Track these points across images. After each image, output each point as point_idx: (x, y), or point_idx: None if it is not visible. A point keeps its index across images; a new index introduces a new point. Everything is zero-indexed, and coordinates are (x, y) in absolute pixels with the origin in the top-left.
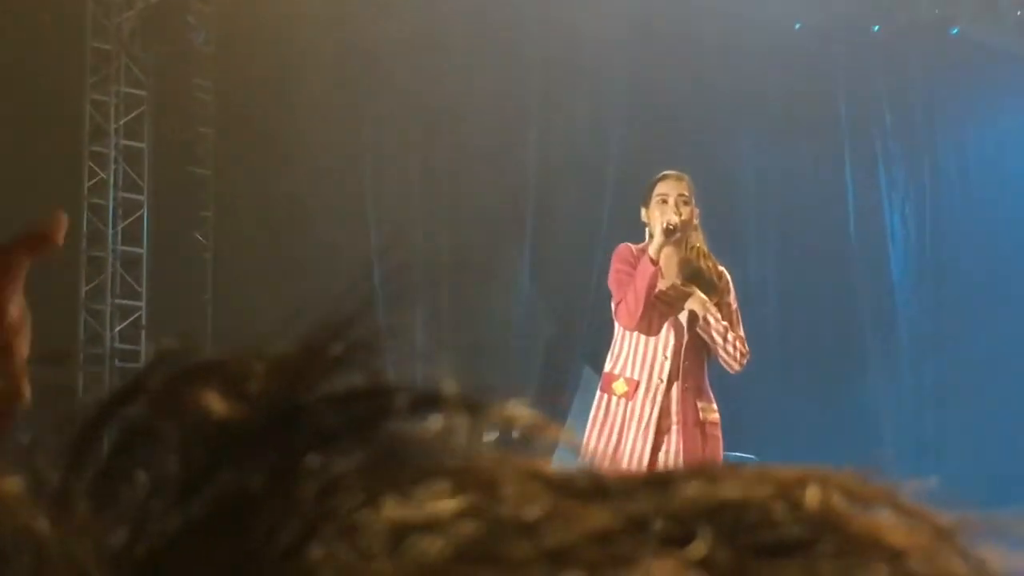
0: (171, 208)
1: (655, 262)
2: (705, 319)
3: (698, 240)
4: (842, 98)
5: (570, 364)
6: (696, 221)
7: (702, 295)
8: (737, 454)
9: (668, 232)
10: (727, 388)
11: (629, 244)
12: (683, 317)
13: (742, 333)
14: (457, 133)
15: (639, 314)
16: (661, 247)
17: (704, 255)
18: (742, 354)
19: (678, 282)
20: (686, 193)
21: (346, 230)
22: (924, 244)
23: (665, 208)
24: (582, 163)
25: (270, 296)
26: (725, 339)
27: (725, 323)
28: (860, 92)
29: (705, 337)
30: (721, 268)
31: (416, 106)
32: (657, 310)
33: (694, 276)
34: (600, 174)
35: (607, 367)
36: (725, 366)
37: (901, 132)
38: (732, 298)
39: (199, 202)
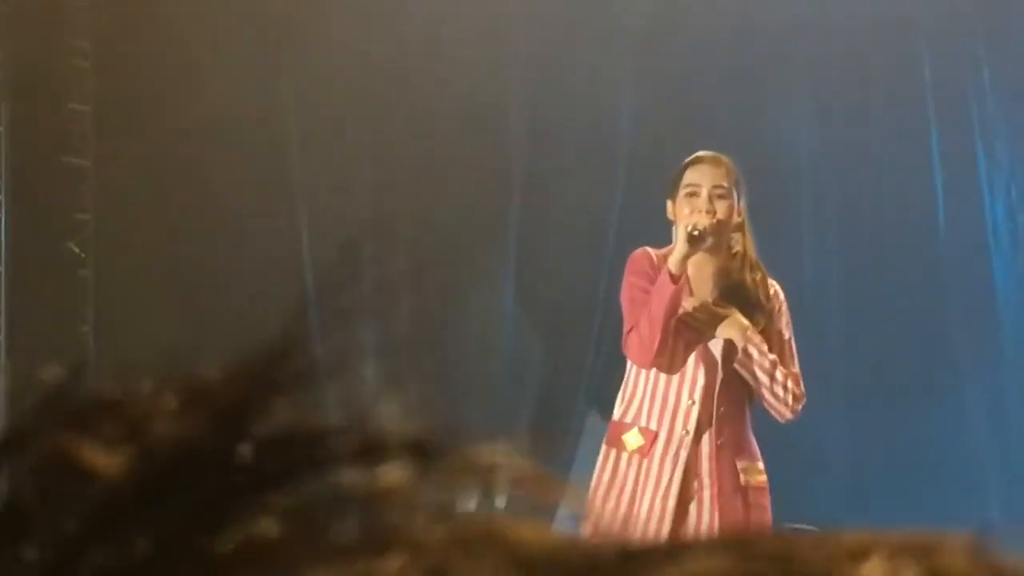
0: (37, 210)
1: (676, 278)
2: (746, 351)
3: (743, 244)
4: (925, 50)
5: (570, 408)
6: (740, 219)
7: (742, 319)
8: (793, 525)
9: (693, 239)
10: (777, 437)
11: (648, 250)
12: (717, 348)
13: (796, 369)
14: (418, 105)
15: (655, 346)
16: (685, 258)
17: (751, 265)
18: (795, 397)
19: (710, 301)
20: (724, 184)
21: (270, 234)
22: None
23: (695, 203)
24: (584, 141)
25: (168, 321)
26: (773, 377)
27: (773, 356)
28: (949, 42)
29: (746, 375)
30: (772, 283)
31: (362, 68)
32: (682, 339)
33: (734, 293)
34: (608, 155)
35: (617, 414)
36: (772, 412)
37: (1003, 93)
38: (785, 323)
39: (74, 202)
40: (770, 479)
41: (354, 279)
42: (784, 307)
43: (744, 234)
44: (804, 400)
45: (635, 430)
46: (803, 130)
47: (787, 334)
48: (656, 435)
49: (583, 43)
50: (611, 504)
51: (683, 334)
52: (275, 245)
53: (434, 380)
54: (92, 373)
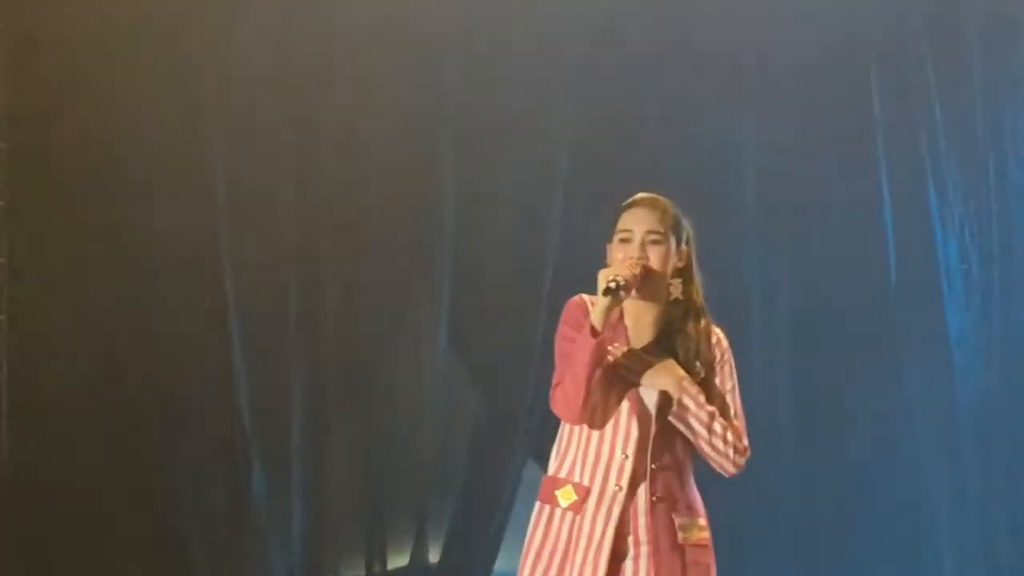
0: None
1: (596, 332)
2: (680, 402)
3: (687, 291)
4: (875, 85)
5: (507, 459)
6: (681, 264)
7: (677, 369)
8: None
9: (609, 291)
10: (722, 488)
11: (585, 297)
12: (651, 400)
13: (740, 422)
14: (348, 128)
15: (579, 403)
16: (606, 310)
17: (694, 312)
18: (736, 450)
19: (643, 349)
20: (660, 229)
21: (192, 277)
22: (992, 285)
23: (627, 250)
24: (521, 179)
25: (85, 373)
26: (711, 430)
27: (712, 408)
28: (899, 77)
29: (682, 427)
30: (716, 331)
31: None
32: (613, 391)
33: (671, 341)
34: (547, 195)
35: (551, 468)
36: (715, 466)
37: (954, 128)
38: (728, 373)
39: None
40: (719, 534)
41: (281, 325)
42: (728, 356)
43: (688, 280)
44: (748, 454)
45: (569, 486)
46: (750, 168)
47: (730, 384)
48: (588, 491)
49: (520, 73)
50: (544, 562)
51: (614, 385)
52: (196, 282)
53: (364, 428)
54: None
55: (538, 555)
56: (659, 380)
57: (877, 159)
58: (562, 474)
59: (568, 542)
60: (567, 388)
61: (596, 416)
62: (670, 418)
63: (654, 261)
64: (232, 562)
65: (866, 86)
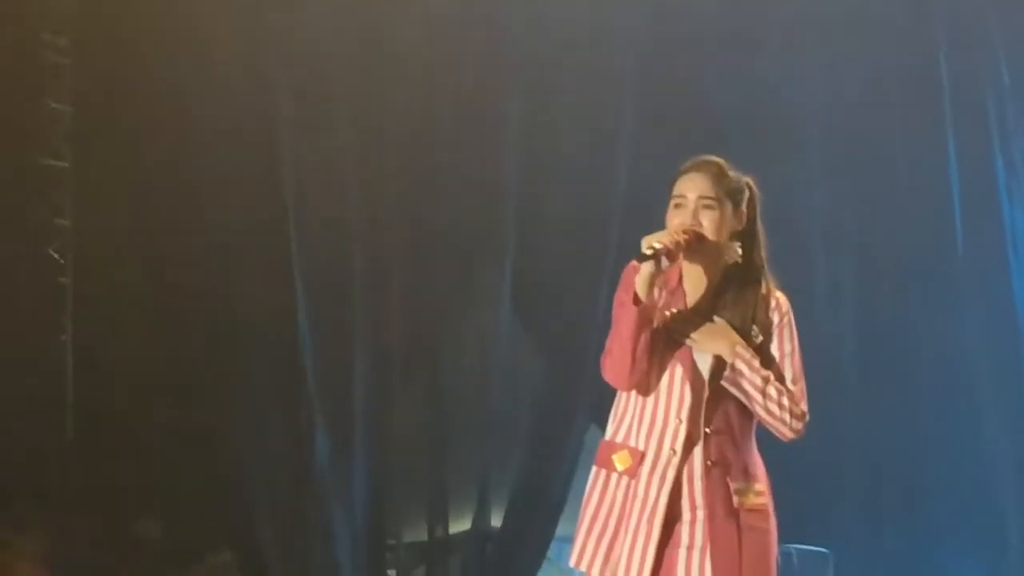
0: (14, 214)
1: (638, 299)
2: (734, 367)
3: (747, 253)
4: (943, 52)
5: (569, 425)
6: (741, 227)
7: (732, 333)
8: (802, 547)
9: (645, 258)
10: (785, 457)
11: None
12: (705, 365)
13: (798, 386)
14: (409, 116)
15: (627, 369)
16: (650, 276)
17: (751, 275)
18: (794, 415)
19: (699, 313)
20: (712, 194)
21: (256, 240)
22: None
23: (682, 215)
24: (583, 149)
25: (148, 330)
26: (765, 394)
27: (767, 372)
28: (967, 44)
29: (735, 392)
30: (778, 295)
31: (355, 70)
32: (663, 358)
33: (728, 305)
34: (609, 163)
35: (608, 433)
36: (772, 431)
37: (1022, 91)
38: (788, 337)
39: (53, 206)
40: (782, 499)
41: (346, 288)
42: (788, 319)
43: (749, 242)
44: (806, 419)
45: (625, 451)
46: (816, 137)
47: (789, 347)
48: (643, 455)
49: (582, 48)
50: (600, 525)
51: (666, 350)
52: (264, 246)
53: (427, 393)
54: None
55: (594, 518)
56: (712, 344)
57: (944, 126)
58: (618, 439)
59: (623, 505)
60: (614, 355)
61: (645, 382)
62: (723, 383)
63: (707, 226)
64: (294, 524)
65: (934, 52)
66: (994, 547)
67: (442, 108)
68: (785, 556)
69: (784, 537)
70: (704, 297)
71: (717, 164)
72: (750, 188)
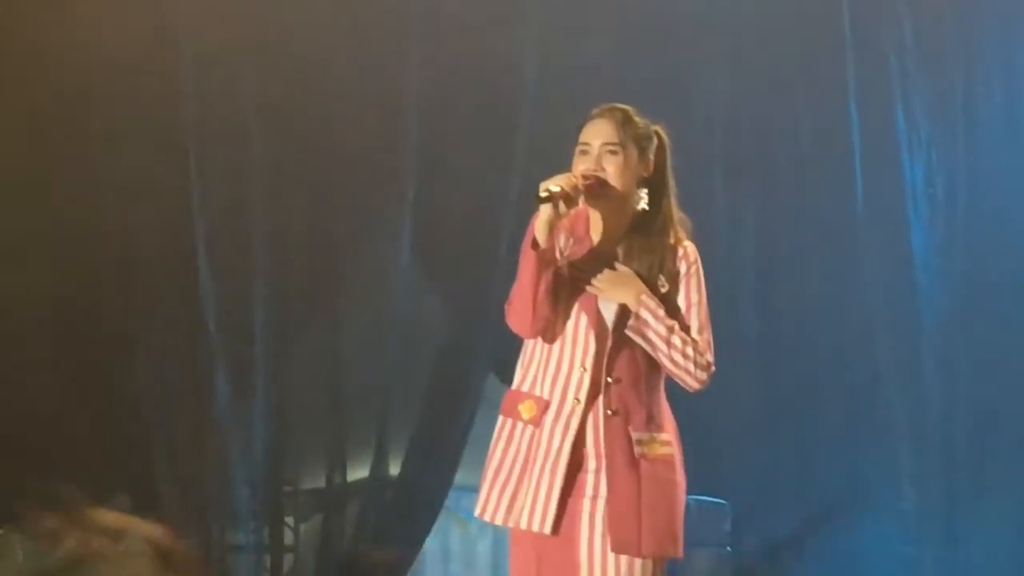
0: None
1: (536, 244)
2: (638, 316)
3: (656, 201)
4: (845, 3)
5: (470, 373)
6: (647, 174)
7: (637, 282)
8: (701, 498)
9: (541, 200)
10: (692, 408)
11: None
12: (609, 313)
13: (704, 336)
14: (311, 58)
15: (528, 316)
16: (548, 222)
17: (659, 223)
18: (697, 365)
19: (602, 261)
20: (615, 140)
21: (158, 181)
22: (956, 209)
23: (585, 161)
24: (484, 92)
25: (47, 277)
26: (670, 344)
27: (671, 322)
28: None
29: (639, 341)
30: (685, 244)
31: (256, 25)
32: (566, 305)
33: (633, 252)
34: (513, 101)
35: (515, 382)
36: (678, 381)
37: (925, 50)
38: (695, 287)
39: None
40: (691, 445)
41: (247, 232)
42: (695, 269)
43: (657, 190)
44: (711, 369)
45: (529, 400)
46: (717, 86)
47: (695, 298)
48: (548, 404)
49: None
50: (504, 474)
51: (570, 298)
52: (163, 188)
53: (326, 338)
54: None
55: (498, 468)
56: (617, 292)
57: (846, 79)
58: (524, 388)
59: (527, 455)
60: (516, 301)
61: (550, 330)
62: (627, 331)
63: (611, 172)
64: (193, 469)
65: (837, 4)
66: (886, 501)
67: (344, 56)
68: (685, 508)
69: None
70: (608, 244)
71: (623, 111)
72: (659, 136)
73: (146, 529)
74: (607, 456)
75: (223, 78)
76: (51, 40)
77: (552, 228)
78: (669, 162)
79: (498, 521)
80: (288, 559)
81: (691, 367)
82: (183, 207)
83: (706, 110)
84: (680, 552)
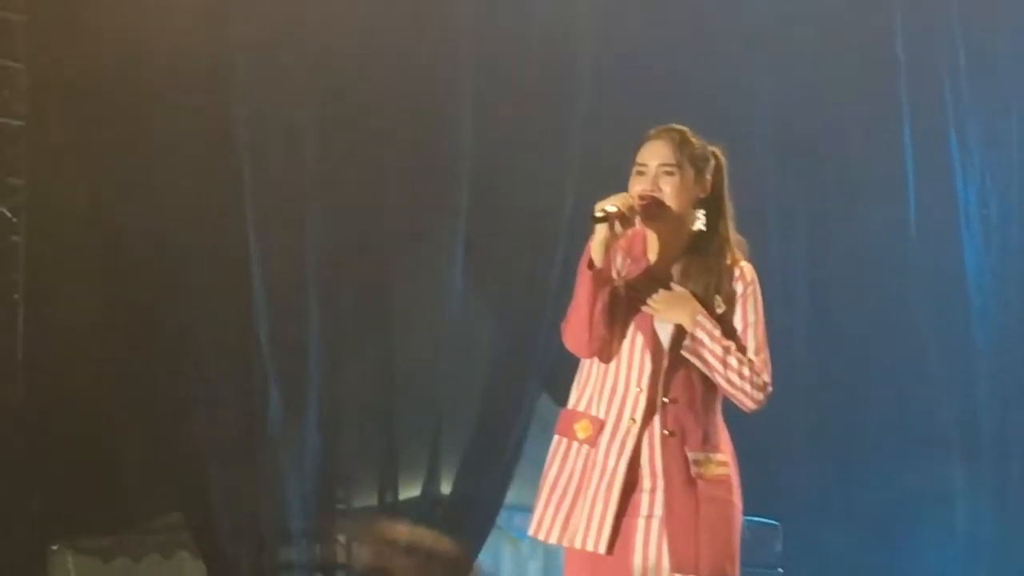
0: None
1: (592, 264)
2: (694, 336)
3: (712, 221)
4: (899, 28)
5: (522, 392)
6: (704, 194)
7: (693, 302)
8: (752, 519)
9: (595, 220)
10: (744, 429)
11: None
12: (666, 334)
13: (760, 356)
14: (365, 77)
15: (584, 336)
16: (603, 242)
17: (715, 244)
18: (755, 385)
19: (658, 281)
20: (672, 160)
21: (213, 200)
22: (1010, 230)
23: (642, 182)
24: (541, 110)
25: (102, 294)
26: (726, 364)
27: (728, 342)
28: (923, 20)
29: (695, 361)
30: (743, 265)
31: (311, 18)
32: (622, 325)
33: (690, 273)
34: (563, 123)
35: (570, 401)
36: (735, 401)
37: (978, 73)
38: (752, 307)
39: (6, 164)
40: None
41: (300, 250)
42: (752, 289)
43: (714, 211)
44: (768, 389)
45: (585, 420)
46: (770, 106)
47: (752, 318)
48: (603, 424)
49: (541, 16)
50: (559, 493)
51: (626, 318)
52: (216, 205)
53: (379, 358)
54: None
55: (553, 487)
56: (673, 313)
57: (899, 101)
58: (580, 407)
59: (583, 474)
60: (572, 321)
61: (605, 349)
62: (683, 352)
63: (668, 192)
64: (245, 487)
65: (890, 27)
66: (940, 518)
67: (396, 67)
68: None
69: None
70: (665, 264)
71: (680, 131)
72: (716, 157)
73: (435, 542)
74: (664, 476)
75: (277, 94)
76: (108, 52)
77: (608, 248)
78: (726, 184)
79: (552, 540)
80: None
81: (748, 387)
82: (237, 223)
83: (759, 130)
84: (737, 573)
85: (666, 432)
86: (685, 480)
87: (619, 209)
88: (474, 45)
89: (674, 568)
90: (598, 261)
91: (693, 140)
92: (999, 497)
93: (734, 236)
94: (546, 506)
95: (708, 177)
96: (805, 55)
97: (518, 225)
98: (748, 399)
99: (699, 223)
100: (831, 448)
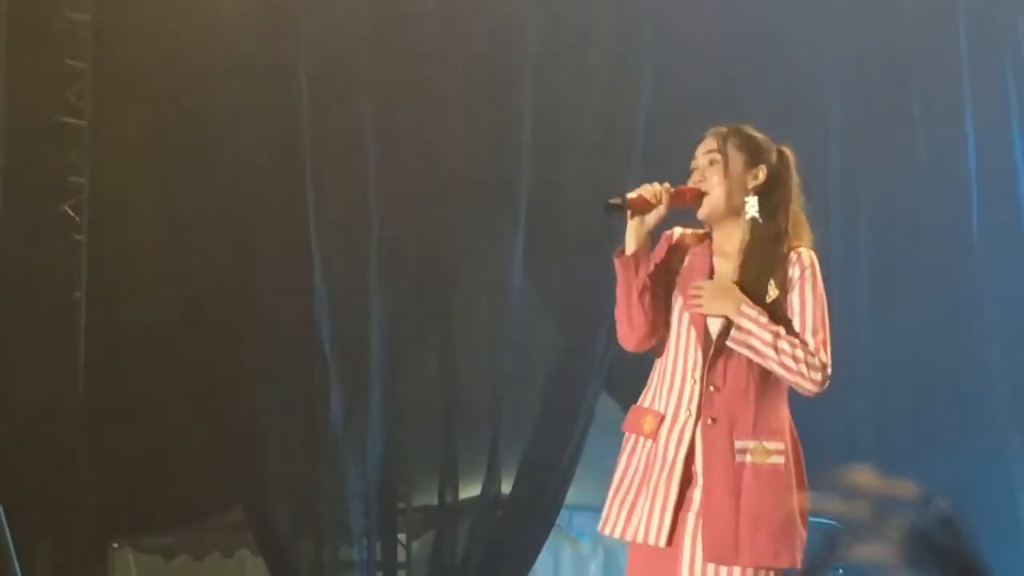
0: (31, 172)
1: (621, 253)
2: (740, 326)
3: (767, 209)
4: (961, 20)
5: (583, 392)
6: (757, 181)
7: (736, 291)
8: (816, 519)
9: (610, 207)
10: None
11: (683, 230)
12: (715, 325)
13: (821, 335)
14: (425, 75)
15: (626, 327)
16: (633, 232)
17: (774, 230)
18: (811, 366)
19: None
20: (714, 148)
21: (273, 194)
22: None
23: (694, 176)
24: (600, 96)
25: (164, 293)
26: (778, 349)
27: (775, 328)
28: (986, 13)
29: (745, 352)
30: (801, 248)
31: (372, 17)
32: (662, 314)
33: (746, 260)
34: (623, 122)
35: (640, 399)
36: (795, 387)
37: None
38: (809, 288)
39: (69, 163)
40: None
41: (361, 247)
42: (811, 273)
43: (770, 199)
44: (828, 370)
45: (649, 415)
46: (834, 104)
47: (809, 299)
48: (663, 417)
49: (599, 10)
50: (625, 487)
51: (666, 302)
52: (279, 204)
53: (440, 357)
54: (84, 340)
55: (620, 482)
56: (716, 305)
57: (963, 99)
58: (646, 404)
59: (646, 468)
60: (619, 319)
61: (649, 340)
62: (728, 342)
63: (712, 181)
64: (307, 484)
65: (954, 24)
66: (1002, 512)
67: (456, 53)
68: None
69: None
70: (730, 255)
71: (731, 126)
72: (781, 152)
73: None
74: (704, 463)
75: (339, 94)
76: (171, 52)
77: (638, 237)
78: (794, 178)
79: (616, 535)
80: None
81: (804, 369)
82: (300, 222)
83: (823, 128)
84: (797, 563)
85: (710, 420)
86: (727, 468)
87: (641, 196)
88: (536, 43)
89: (708, 557)
90: (629, 249)
91: (746, 132)
92: None
93: (801, 226)
94: (611, 502)
95: (764, 167)
96: (868, 52)
97: (577, 225)
98: (806, 381)
99: (752, 210)
100: (893, 442)
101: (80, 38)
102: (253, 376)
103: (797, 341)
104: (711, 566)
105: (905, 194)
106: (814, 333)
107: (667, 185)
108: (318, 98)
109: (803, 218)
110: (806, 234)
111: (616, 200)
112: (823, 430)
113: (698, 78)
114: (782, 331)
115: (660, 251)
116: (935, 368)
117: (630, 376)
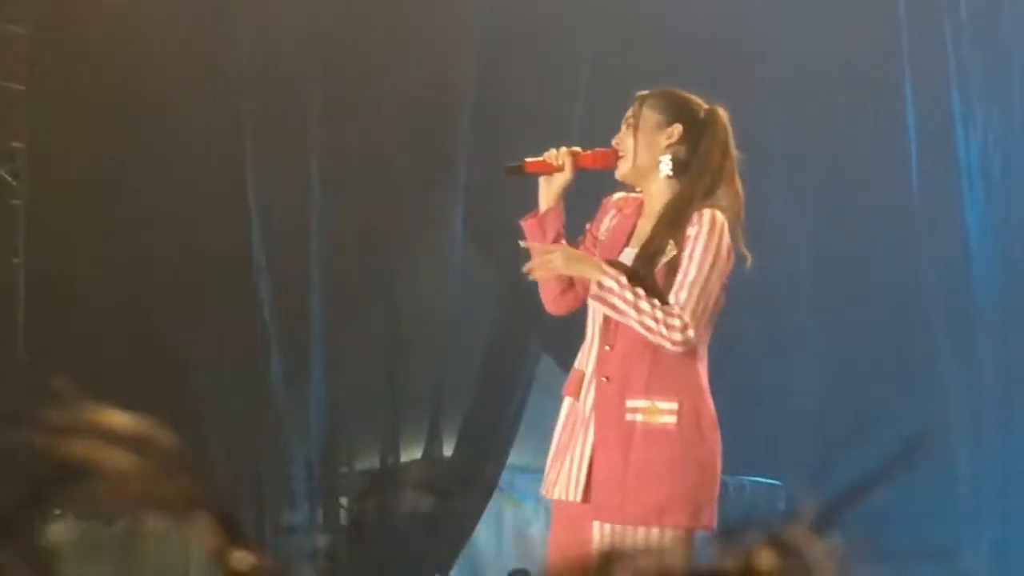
0: None
1: (541, 218)
2: (601, 284)
3: (681, 167)
4: None
5: (523, 356)
6: (670, 140)
7: (591, 259)
8: (756, 479)
9: (508, 170)
10: (749, 388)
11: (625, 195)
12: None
13: (692, 292)
14: (374, 39)
15: (545, 292)
16: (545, 193)
17: (688, 188)
18: (669, 326)
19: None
20: (629, 114)
21: (214, 162)
22: (1014, 189)
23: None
24: (540, 61)
25: (104, 256)
26: (638, 309)
27: (637, 289)
28: None
29: (605, 309)
30: (707, 209)
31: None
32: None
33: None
34: (563, 87)
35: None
36: (662, 346)
37: (981, 28)
38: (700, 247)
39: (8, 128)
40: (733, 429)
41: (301, 211)
42: (705, 232)
43: (685, 158)
44: (689, 330)
45: (576, 375)
46: (771, 66)
47: (695, 259)
48: (583, 375)
49: None
50: (555, 447)
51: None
52: (218, 170)
53: (381, 320)
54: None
55: (556, 442)
56: (574, 266)
57: (901, 60)
58: (576, 365)
59: (572, 428)
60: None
61: (562, 301)
62: (589, 299)
63: (626, 144)
64: (248, 449)
65: None
66: (943, 476)
67: (397, 25)
68: (738, 488)
69: (736, 467)
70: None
71: (655, 91)
72: (711, 112)
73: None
74: (596, 421)
75: (283, 65)
76: (109, 15)
77: (549, 198)
78: (720, 136)
79: (544, 493)
80: (341, 539)
81: (663, 330)
82: (238, 192)
83: (766, 90)
84: (698, 525)
85: (604, 379)
86: (618, 426)
87: (542, 160)
88: (476, 22)
89: (595, 514)
90: (541, 209)
91: (667, 93)
92: (1001, 440)
93: (730, 186)
94: (551, 464)
95: (680, 125)
96: (809, 16)
97: (517, 190)
98: (666, 341)
99: (665, 169)
100: (836, 408)
101: (18, 3)
102: (193, 341)
103: (655, 302)
104: (620, 526)
105: (844, 158)
106: (688, 292)
107: (575, 149)
108: (261, 69)
109: (735, 178)
110: (734, 194)
111: (513, 164)
112: (763, 404)
113: (629, 38)
114: (642, 292)
115: (599, 217)
116: (877, 337)
117: (570, 338)
